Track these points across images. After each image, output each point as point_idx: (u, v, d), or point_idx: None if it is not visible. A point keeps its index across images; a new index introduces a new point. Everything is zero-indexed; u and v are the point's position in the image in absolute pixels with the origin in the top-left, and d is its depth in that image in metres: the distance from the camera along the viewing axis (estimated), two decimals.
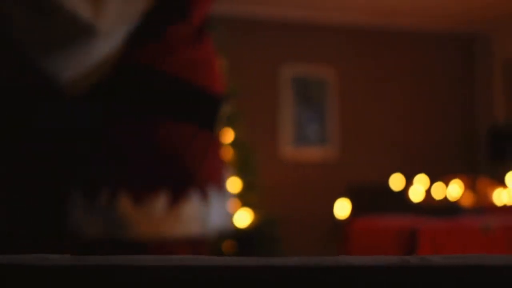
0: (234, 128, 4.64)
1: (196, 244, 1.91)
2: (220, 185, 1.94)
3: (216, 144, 1.86)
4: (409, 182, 6.21)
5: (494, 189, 5.96)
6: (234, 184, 4.41)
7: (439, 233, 3.03)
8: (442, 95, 8.16)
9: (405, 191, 6.03)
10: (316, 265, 0.60)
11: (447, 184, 6.18)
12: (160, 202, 1.75)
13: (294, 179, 7.42)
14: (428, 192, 6.08)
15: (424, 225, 3.11)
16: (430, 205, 5.47)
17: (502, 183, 5.95)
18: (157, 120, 1.75)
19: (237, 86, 4.61)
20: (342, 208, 5.69)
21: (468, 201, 5.97)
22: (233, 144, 4.58)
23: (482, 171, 7.14)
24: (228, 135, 4.58)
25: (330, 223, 6.11)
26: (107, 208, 1.76)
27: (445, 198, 5.90)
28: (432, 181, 6.25)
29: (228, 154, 4.49)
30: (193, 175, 1.91)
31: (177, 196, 1.79)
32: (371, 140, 7.82)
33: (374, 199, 5.67)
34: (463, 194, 6.06)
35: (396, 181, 6.10)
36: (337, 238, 5.12)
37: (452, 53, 8.32)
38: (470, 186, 6.11)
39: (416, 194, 5.99)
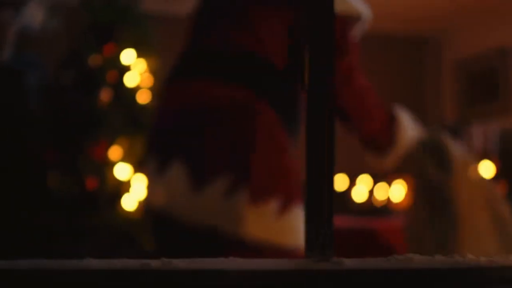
0: None
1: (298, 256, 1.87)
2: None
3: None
4: (353, 183, 6.25)
5: None
6: None
7: (393, 234, 3.07)
8: (392, 96, 8.23)
9: (348, 191, 6.08)
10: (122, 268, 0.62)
11: (390, 184, 6.24)
12: (273, 207, 1.75)
13: None
14: (371, 192, 6.13)
15: (380, 226, 3.15)
16: (360, 206, 5.52)
17: None
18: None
19: None
20: None
21: (410, 202, 6.02)
22: None
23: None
24: None
25: None
26: (223, 197, 1.73)
27: (373, 199, 5.95)
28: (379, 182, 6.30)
29: None
30: (299, 187, 1.93)
31: (288, 204, 1.79)
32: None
33: None
34: (405, 195, 6.12)
35: (339, 182, 6.15)
36: None
37: (402, 55, 8.39)
38: (411, 186, 6.17)
39: (359, 194, 6.04)
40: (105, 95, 3.85)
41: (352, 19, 2.09)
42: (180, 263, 0.63)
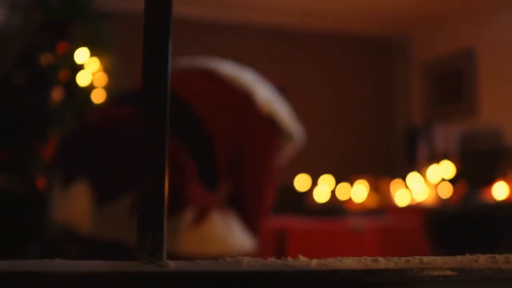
0: None
1: None
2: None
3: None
4: (315, 183, 6.26)
5: (396, 190, 6.06)
6: None
7: (309, 234, 3.07)
8: (360, 97, 8.26)
9: (310, 192, 6.08)
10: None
11: (352, 185, 6.26)
12: (185, 220, 1.76)
13: None
14: (333, 193, 6.14)
15: (295, 226, 3.15)
16: (317, 207, 5.54)
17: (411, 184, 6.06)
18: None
19: None
20: None
21: (372, 202, 6.06)
22: None
23: (398, 172, 7.25)
24: None
25: None
26: (129, 214, 1.74)
27: (332, 200, 5.97)
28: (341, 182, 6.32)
29: None
30: (217, 183, 1.96)
31: (201, 215, 1.81)
32: None
33: (277, 200, 5.68)
34: (368, 195, 6.15)
35: (301, 182, 6.15)
36: None
37: (370, 56, 8.42)
38: (373, 187, 6.20)
39: (320, 195, 6.05)
40: (57, 94, 3.81)
41: (284, 138, 2.21)
42: (1, 265, 0.61)
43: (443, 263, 0.63)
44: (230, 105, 2.13)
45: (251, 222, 2.14)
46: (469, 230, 5.34)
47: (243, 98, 2.16)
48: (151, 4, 0.68)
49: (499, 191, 5.34)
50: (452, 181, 5.79)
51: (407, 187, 6.03)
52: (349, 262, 0.62)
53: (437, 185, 5.83)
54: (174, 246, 1.77)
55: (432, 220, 5.15)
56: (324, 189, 6.13)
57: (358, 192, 6.12)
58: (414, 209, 5.46)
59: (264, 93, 2.22)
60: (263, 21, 7.77)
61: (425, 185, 5.90)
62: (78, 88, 3.88)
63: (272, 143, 2.22)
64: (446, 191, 5.70)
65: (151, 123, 0.64)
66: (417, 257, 0.64)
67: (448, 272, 0.62)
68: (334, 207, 5.48)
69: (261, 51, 7.86)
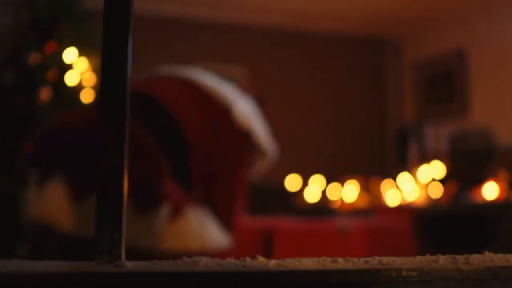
0: None
1: None
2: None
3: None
4: (306, 183, 6.26)
5: (387, 190, 6.06)
6: None
7: (295, 234, 3.07)
8: (352, 97, 8.26)
9: (300, 192, 6.08)
10: None
11: (343, 185, 6.26)
12: (161, 215, 1.76)
13: None
14: (324, 193, 6.14)
15: (282, 226, 3.15)
16: (307, 207, 5.53)
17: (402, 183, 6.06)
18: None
19: None
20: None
21: (362, 202, 6.06)
22: None
23: (389, 172, 7.25)
24: None
25: None
26: None
27: (323, 200, 5.97)
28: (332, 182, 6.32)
29: None
30: (191, 185, 1.97)
31: (177, 211, 1.81)
32: (285, 139, 7.84)
33: (267, 200, 5.69)
34: (358, 195, 6.15)
35: (292, 182, 6.15)
36: None
37: (363, 56, 8.42)
38: (364, 187, 6.20)
39: (311, 195, 6.05)
40: (45, 94, 3.80)
41: (258, 153, 2.24)
42: None
43: (402, 264, 0.63)
44: (208, 116, 2.15)
45: (224, 213, 2.16)
46: (459, 230, 5.34)
47: (221, 111, 2.18)
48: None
49: (489, 191, 5.35)
50: (442, 181, 5.80)
51: (397, 187, 6.03)
52: (308, 263, 0.62)
53: (427, 185, 5.83)
54: (152, 242, 1.77)
55: (422, 220, 5.16)
56: (314, 189, 6.13)
57: (349, 192, 6.12)
58: (404, 209, 5.46)
59: (242, 108, 2.24)
60: (255, 21, 7.76)
61: (416, 185, 5.90)
62: (67, 88, 3.86)
63: (245, 157, 2.25)
64: (436, 191, 5.70)
65: (110, 124, 0.63)
66: (377, 258, 0.64)
67: (407, 273, 0.62)
68: (323, 207, 5.48)
69: (253, 50, 7.86)
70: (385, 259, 0.64)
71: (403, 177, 6.08)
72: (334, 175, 6.50)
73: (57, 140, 1.96)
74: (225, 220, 2.11)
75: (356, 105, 8.23)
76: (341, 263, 0.63)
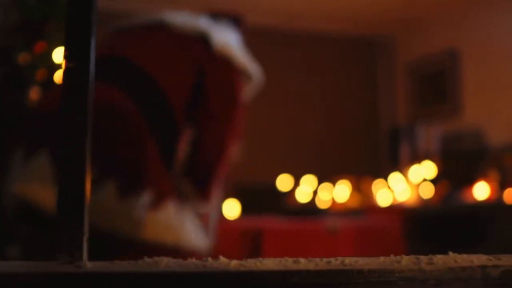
0: None
1: (168, 254, 1.85)
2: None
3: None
4: (297, 183, 6.25)
5: (378, 190, 6.07)
6: None
7: (284, 234, 3.07)
8: (344, 98, 8.26)
9: (292, 192, 6.08)
10: None
11: (335, 185, 6.26)
12: (143, 202, 1.73)
13: None
14: (315, 193, 6.14)
15: (270, 226, 3.15)
16: (297, 207, 5.53)
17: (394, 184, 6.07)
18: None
19: None
20: (231, 208, 5.70)
21: (354, 202, 6.06)
22: None
23: (382, 172, 7.26)
24: None
25: None
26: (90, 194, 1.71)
27: (314, 200, 5.97)
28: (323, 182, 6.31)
29: None
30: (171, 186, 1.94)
31: (159, 200, 1.78)
32: (270, 140, 7.85)
33: (260, 200, 5.69)
34: (350, 195, 6.15)
35: (283, 182, 6.15)
36: None
37: (355, 56, 8.42)
38: (356, 187, 6.20)
39: (302, 195, 6.05)
40: (34, 94, 3.79)
41: (244, 78, 2.20)
42: None
43: (364, 265, 0.62)
44: (185, 56, 2.09)
45: (209, 171, 2.11)
46: (450, 230, 5.35)
47: (197, 46, 2.13)
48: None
49: (480, 191, 5.36)
50: (433, 181, 5.80)
51: (389, 187, 6.04)
52: (269, 263, 0.62)
53: (418, 185, 5.84)
54: (131, 228, 1.74)
55: (413, 220, 5.16)
56: (306, 189, 6.12)
57: (340, 192, 6.12)
58: (395, 209, 5.47)
59: (219, 36, 2.19)
60: (247, 21, 7.75)
61: (407, 185, 5.90)
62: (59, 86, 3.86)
63: (234, 84, 2.20)
64: (428, 191, 5.71)
65: (71, 121, 0.63)
66: (340, 259, 0.64)
67: (368, 274, 0.61)
68: (314, 207, 5.48)
69: (248, 50, 7.85)
70: (347, 260, 0.64)
71: (395, 177, 6.08)
72: (326, 175, 6.50)
73: (44, 119, 1.92)
74: (209, 170, 2.08)
75: (348, 105, 8.23)
76: (303, 263, 0.62)
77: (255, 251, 3.00)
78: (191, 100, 2.05)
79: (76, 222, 0.63)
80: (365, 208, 5.76)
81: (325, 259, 0.64)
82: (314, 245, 3.09)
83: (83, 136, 0.64)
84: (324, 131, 7.98)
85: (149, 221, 1.78)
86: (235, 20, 2.44)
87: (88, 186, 0.64)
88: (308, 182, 6.26)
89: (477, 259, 0.66)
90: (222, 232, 3.42)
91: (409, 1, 7.07)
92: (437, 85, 7.46)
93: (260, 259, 0.63)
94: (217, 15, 2.37)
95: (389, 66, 8.31)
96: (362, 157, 8.05)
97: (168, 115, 1.94)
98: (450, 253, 0.68)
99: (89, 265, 0.61)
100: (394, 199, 5.84)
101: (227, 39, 2.22)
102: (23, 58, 3.90)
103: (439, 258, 0.66)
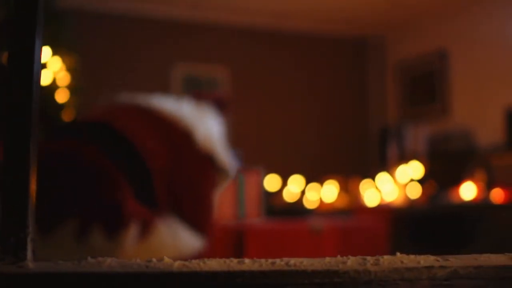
0: None
1: None
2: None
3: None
4: (285, 183, 6.25)
5: (366, 190, 6.07)
6: None
7: (266, 234, 3.07)
8: (335, 98, 8.26)
9: (279, 192, 6.08)
10: None
11: (322, 185, 6.26)
12: (131, 235, 1.74)
13: None
14: (303, 193, 6.14)
15: (253, 226, 3.14)
16: (283, 207, 5.53)
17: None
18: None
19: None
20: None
21: (341, 202, 6.06)
22: None
23: (371, 173, 7.26)
24: None
25: None
26: (76, 241, 1.72)
27: (301, 200, 5.97)
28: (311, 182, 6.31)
29: None
30: (157, 206, 1.95)
31: (146, 228, 1.79)
32: (266, 139, 7.85)
33: None
34: (337, 195, 6.16)
35: (271, 182, 6.14)
36: None
37: (345, 56, 8.43)
38: (344, 187, 6.21)
39: (289, 195, 6.05)
40: None
41: (221, 174, 2.24)
42: None
43: (308, 265, 0.62)
44: (169, 143, 2.13)
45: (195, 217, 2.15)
46: (437, 230, 5.35)
47: (181, 137, 2.17)
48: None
49: (467, 191, 5.37)
50: (420, 181, 5.81)
51: (377, 187, 6.04)
52: (213, 264, 0.62)
53: (406, 185, 5.84)
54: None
55: (400, 220, 5.16)
56: (293, 189, 6.12)
57: (328, 192, 6.12)
58: (383, 210, 5.47)
59: (203, 130, 2.22)
60: (236, 21, 7.75)
61: (394, 186, 5.91)
62: (41, 87, 3.84)
63: (209, 179, 2.24)
64: (415, 191, 5.72)
65: (14, 122, 0.63)
66: (285, 259, 0.64)
67: (313, 274, 0.61)
68: (301, 207, 5.48)
69: (235, 51, 7.85)
70: (292, 261, 0.63)
71: (382, 177, 6.09)
72: (314, 175, 6.50)
73: None
74: (198, 228, 2.12)
75: (338, 105, 8.23)
76: (247, 264, 0.62)
77: (238, 252, 2.99)
78: (170, 179, 2.08)
79: (20, 223, 0.63)
80: (352, 208, 5.77)
81: (270, 260, 0.64)
82: (297, 245, 3.09)
83: (27, 133, 0.63)
84: (312, 131, 7.98)
85: (142, 250, 1.80)
86: (219, 103, 2.46)
87: (33, 186, 0.64)
88: (296, 182, 6.26)
89: (424, 260, 0.66)
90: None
91: (399, 2, 7.07)
92: (427, 86, 7.48)
93: (205, 259, 0.63)
94: (201, 96, 2.41)
95: (379, 66, 8.32)
96: (350, 157, 8.06)
97: (144, 170, 1.97)
98: (398, 253, 0.68)
99: (32, 266, 0.61)
100: (382, 199, 5.85)
101: (211, 134, 2.26)
102: (6, 57, 3.90)
103: (385, 259, 0.66)
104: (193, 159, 2.15)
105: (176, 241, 1.92)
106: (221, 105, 2.48)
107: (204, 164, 2.20)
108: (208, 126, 2.27)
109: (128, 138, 2.00)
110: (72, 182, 1.83)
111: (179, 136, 2.16)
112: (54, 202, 1.80)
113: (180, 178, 2.09)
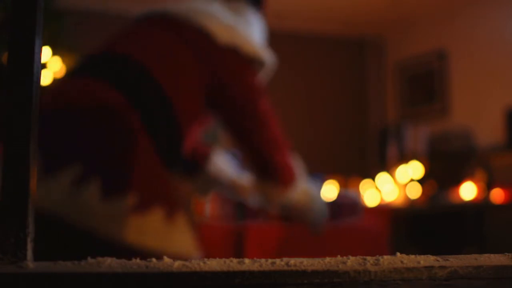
0: None
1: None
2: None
3: None
4: None
5: (365, 190, 6.07)
6: None
7: (267, 235, 3.06)
8: (334, 98, 8.27)
9: None
10: None
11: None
12: (127, 203, 1.66)
13: None
14: None
15: (253, 227, 3.14)
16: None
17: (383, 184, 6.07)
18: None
19: None
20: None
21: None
22: None
23: (371, 172, 7.26)
24: None
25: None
26: (72, 189, 1.64)
27: None
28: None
29: None
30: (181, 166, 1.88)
31: (146, 204, 1.70)
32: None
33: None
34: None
35: None
36: None
37: (344, 56, 8.43)
38: (344, 187, 6.20)
39: None
40: None
41: (257, 64, 2.10)
42: None
43: (308, 266, 0.62)
44: (190, 49, 1.98)
45: (272, 153, 2.09)
46: (437, 230, 5.36)
47: (201, 37, 2.01)
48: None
49: (467, 191, 5.37)
50: (421, 181, 5.81)
51: (377, 187, 6.04)
52: (213, 264, 0.62)
53: (405, 185, 5.84)
54: (111, 230, 1.68)
55: (400, 220, 5.17)
56: None
57: (328, 192, 6.12)
58: (382, 210, 5.47)
59: (223, 23, 2.07)
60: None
61: (394, 185, 5.91)
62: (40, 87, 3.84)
63: (247, 75, 2.10)
64: (415, 191, 5.72)
65: (14, 122, 0.63)
66: (285, 259, 0.64)
67: (312, 275, 0.61)
68: None
69: None
70: (292, 261, 0.63)
71: (382, 177, 6.09)
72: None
73: (50, 116, 1.84)
74: (272, 167, 2.05)
75: (337, 105, 8.24)
76: (247, 264, 0.62)
77: (237, 252, 2.99)
78: (211, 100, 1.97)
79: (20, 223, 0.63)
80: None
81: (270, 260, 0.64)
82: (298, 246, 3.09)
83: (27, 132, 0.63)
84: (312, 131, 7.98)
85: (133, 224, 1.71)
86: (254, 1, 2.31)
87: (33, 185, 0.64)
88: None
89: (424, 260, 0.66)
90: (206, 232, 3.41)
91: (398, 2, 7.07)
92: (426, 86, 7.48)
93: (205, 259, 0.63)
94: None
95: (378, 66, 8.32)
96: (350, 157, 8.06)
97: (168, 113, 1.85)
98: (398, 253, 0.68)
99: (31, 265, 0.61)
100: (382, 199, 5.85)
101: (232, 24, 2.09)
102: (6, 58, 3.90)
103: (385, 259, 0.66)
104: (220, 59, 2.00)
105: (168, 236, 1.80)
106: (258, 2, 2.33)
107: (233, 60, 2.01)
108: (229, 18, 2.11)
109: (154, 75, 1.86)
110: (77, 126, 1.76)
111: (198, 36, 1.99)
112: (58, 145, 1.73)
113: (219, 91, 1.94)
